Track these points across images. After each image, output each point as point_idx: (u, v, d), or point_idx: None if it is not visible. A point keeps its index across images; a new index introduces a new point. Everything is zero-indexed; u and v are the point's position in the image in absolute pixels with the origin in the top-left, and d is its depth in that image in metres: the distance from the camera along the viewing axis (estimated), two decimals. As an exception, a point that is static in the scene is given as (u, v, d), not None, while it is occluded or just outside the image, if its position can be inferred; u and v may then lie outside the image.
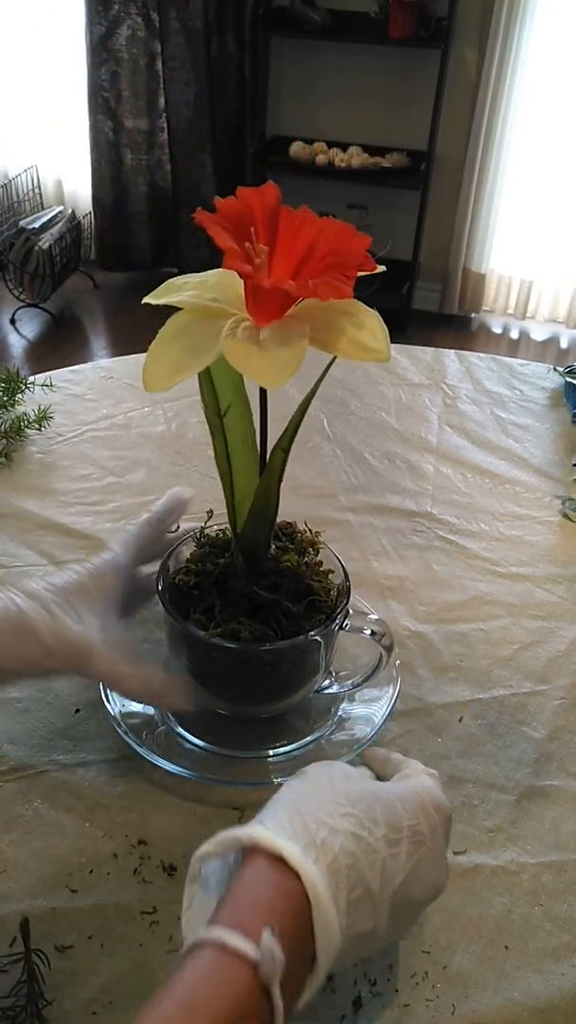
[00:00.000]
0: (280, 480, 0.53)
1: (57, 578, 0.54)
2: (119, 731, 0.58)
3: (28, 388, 0.98)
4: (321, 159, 2.65)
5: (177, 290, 0.47)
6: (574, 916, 0.51)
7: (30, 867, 0.52)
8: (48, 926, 0.49)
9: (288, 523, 0.62)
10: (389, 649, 0.58)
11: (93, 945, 0.48)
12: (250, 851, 0.38)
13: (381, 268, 0.48)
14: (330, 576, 0.60)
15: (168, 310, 0.45)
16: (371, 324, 0.46)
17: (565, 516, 0.85)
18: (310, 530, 0.63)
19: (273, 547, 0.59)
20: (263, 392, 0.50)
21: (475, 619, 0.72)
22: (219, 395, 0.50)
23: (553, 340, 2.85)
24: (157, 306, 0.46)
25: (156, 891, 0.51)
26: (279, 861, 0.37)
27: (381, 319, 0.47)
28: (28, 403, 0.96)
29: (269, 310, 0.45)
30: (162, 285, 0.47)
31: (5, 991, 0.45)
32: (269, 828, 0.38)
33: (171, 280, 0.48)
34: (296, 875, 0.36)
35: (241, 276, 0.44)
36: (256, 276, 0.43)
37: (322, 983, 0.37)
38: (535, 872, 0.54)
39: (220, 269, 0.48)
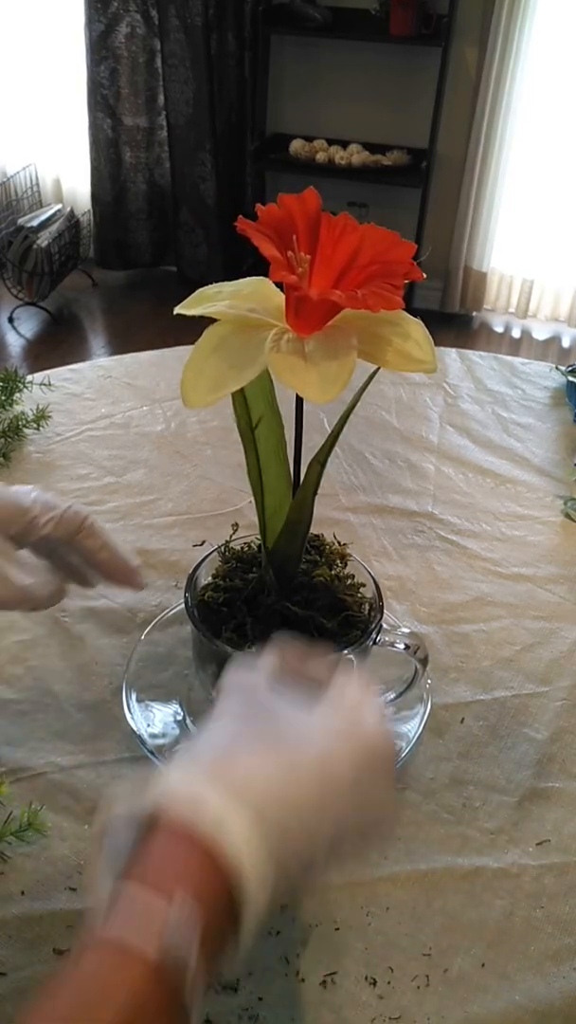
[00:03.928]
0: (315, 494, 0.51)
1: None
2: (144, 750, 0.57)
3: (26, 387, 0.97)
4: (321, 157, 2.64)
5: (210, 300, 0.45)
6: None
7: (28, 868, 0.52)
8: (47, 928, 0.49)
9: (315, 535, 0.60)
10: (424, 662, 0.57)
11: (92, 948, 0.48)
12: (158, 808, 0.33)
13: (424, 276, 0.47)
14: (361, 590, 0.58)
15: (167, 310, 0.44)
16: (416, 334, 0.45)
17: (567, 516, 0.84)
18: (338, 541, 0.61)
19: (303, 561, 0.57)
20: (299, 404, 0.48)
21: (476, 620, 0.72)
22: (251, 407, 0.49)
23: (555, 339, 2.85)
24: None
25: (155, 894, 0.51)
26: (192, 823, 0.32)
27: (425, 328, 0.45)
28: (26, 402, 0.96)
29: (312, 321, 0.43)
30: (194, 294, 0.45)
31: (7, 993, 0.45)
32: (182, 783, 0.34)
33: (203, 289, 0.46)
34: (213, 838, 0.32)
35: (287, 287, 0.42)
36: (302, 287, 0.42)
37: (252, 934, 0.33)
38: (536, 874, 0.53)
39: (254, 277, 0.46)
